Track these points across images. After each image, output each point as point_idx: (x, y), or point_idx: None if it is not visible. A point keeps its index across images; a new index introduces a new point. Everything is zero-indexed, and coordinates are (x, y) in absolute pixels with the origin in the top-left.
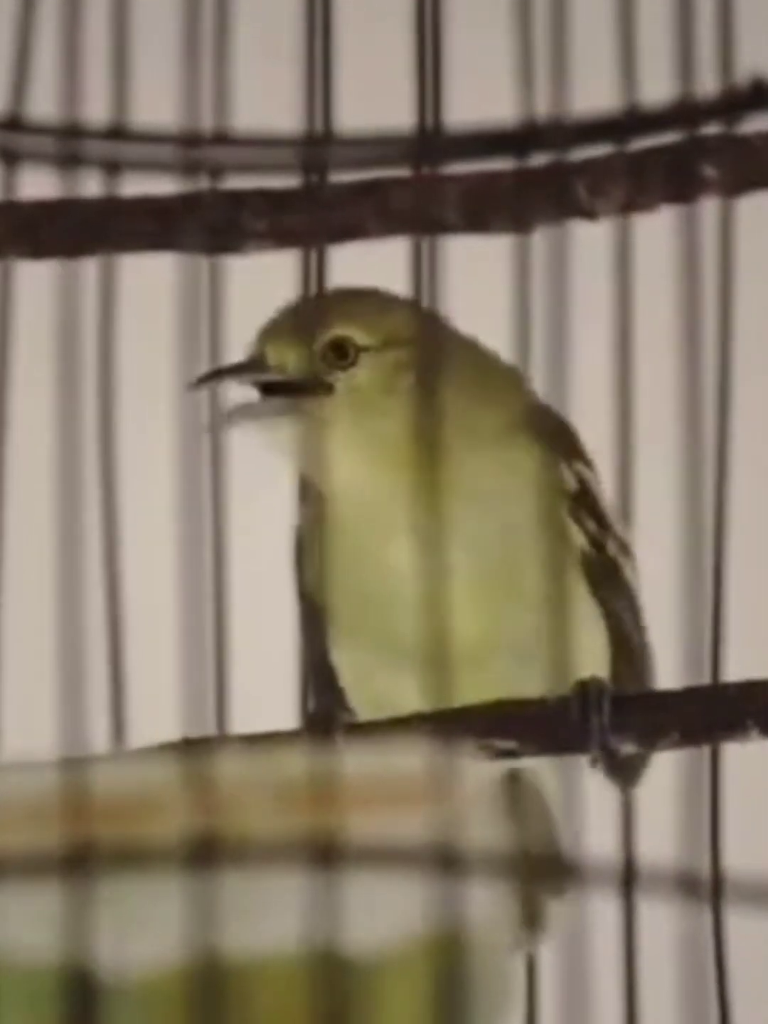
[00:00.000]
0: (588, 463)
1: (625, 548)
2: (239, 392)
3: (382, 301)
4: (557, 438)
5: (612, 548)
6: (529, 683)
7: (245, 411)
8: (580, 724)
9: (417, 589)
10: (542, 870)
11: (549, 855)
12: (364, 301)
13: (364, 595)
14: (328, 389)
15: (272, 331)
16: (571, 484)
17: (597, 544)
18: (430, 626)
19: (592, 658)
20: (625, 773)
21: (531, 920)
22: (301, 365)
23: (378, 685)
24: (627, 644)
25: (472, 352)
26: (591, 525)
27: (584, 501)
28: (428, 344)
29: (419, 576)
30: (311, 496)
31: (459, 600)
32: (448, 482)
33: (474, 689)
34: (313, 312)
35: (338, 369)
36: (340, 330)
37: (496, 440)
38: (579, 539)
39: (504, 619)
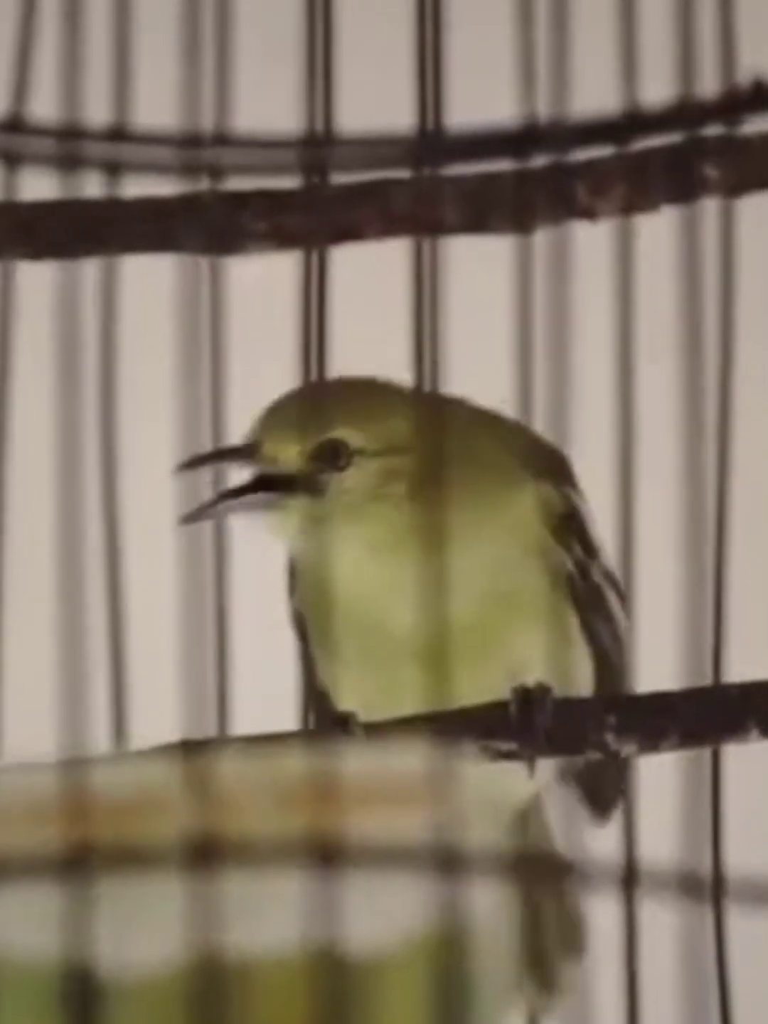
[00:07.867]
0: (577, 490)
1: (609, 576)
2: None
3: (386, 399)
4: (549, 465)
5: (596, 575)
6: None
7: (236, 501)
8: (521, 725)
9: (418, 647)
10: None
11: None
12: (369, 400)
13: (363, 651)
14: (318, 489)
15: (271, 420)
16: (561, 506)
17: (582, 568)
18: (432, 676)
19: (580, 677)
20: (599, 802)
21: (546, 983)
22: (295, 460)
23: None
24: (606, 663)
25: (471, 429)
26: (577, 549)
27: (572, 525)
28: (429, 449)
29: (420, 637)
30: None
31: (460, 642)
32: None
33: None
34: (315, 406)
35: (332, 469)
36: (338, 432)
37: (493, 496)
38: (566, 563)
39: (503, 653)
